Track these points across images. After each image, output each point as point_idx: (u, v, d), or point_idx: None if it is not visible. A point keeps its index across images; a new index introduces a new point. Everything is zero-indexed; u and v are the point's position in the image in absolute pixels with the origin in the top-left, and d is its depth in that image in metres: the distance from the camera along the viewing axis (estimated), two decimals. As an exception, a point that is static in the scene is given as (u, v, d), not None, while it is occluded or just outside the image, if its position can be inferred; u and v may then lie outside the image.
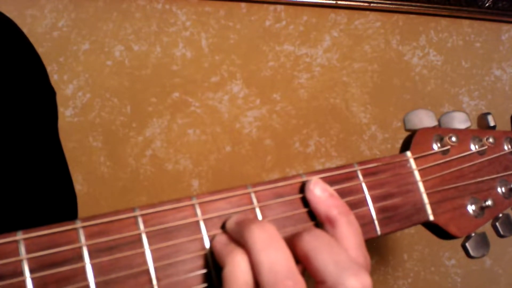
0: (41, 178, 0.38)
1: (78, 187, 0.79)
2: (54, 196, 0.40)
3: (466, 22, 0.88)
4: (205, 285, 0.24)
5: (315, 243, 0.22)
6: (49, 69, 0.80)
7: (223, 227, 0.24)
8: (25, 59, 0.40)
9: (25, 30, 0.78)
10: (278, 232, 0.23)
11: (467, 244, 0.28)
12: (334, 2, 0.82)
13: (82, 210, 0.78)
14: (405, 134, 0.32)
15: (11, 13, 0.78)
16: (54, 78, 0.79)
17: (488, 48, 0.89)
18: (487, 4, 0.86)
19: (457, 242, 0.30)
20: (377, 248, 0.84)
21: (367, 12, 0.85)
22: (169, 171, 0.80)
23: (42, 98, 0.40)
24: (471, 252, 0.28)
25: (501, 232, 0.29)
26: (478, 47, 0.88)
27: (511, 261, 0.87)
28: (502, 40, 0.89)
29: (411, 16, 0.86)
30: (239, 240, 0.23)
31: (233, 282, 0.21)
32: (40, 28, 0.78)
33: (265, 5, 0.83)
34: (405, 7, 0.84)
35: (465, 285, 0.85)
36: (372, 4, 0.83)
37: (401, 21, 0.86)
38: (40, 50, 0.79)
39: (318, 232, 0.23)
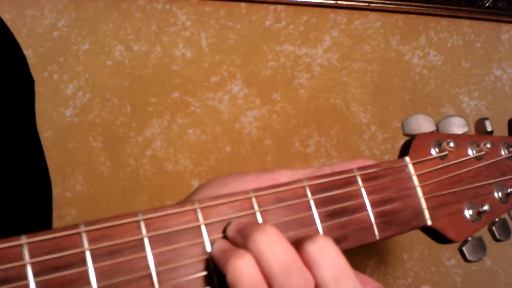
0: (17, 167, 0.38)
1: (78, 187, 0.79)
2: (29, 186, 0.40)
3: (466, 22, 0.88)
4: (207, 288, 0.24)
5: (317, 257, 0.23)
6: (49, 69, 0.80)
7: (224, 232, 0.25)
8: (2, 46, 0.39)
9: (25, 30, 0.78)
10: (280, 232, 0.23)
11: (464, 248, 0.28)
12: (334, 2, 0.82)
13: (82, 210, 0.79)
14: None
15: (11, 13, 0.78)
16: (54, 78, 0.79)
17: (488, 48, 0.89)
18: (487, 4, 0.86)
19: (457, 243, 0.30)
20: (377, 248, 0.85)
21: (367, 12, 0.85)
22: (169, 171, 0.80)
23: (20, 87, 0.40)
24: (468, 256, 0.28)
25: (498, 237, 0.29)
26: (478, 47, 0.89)
27: (511, 261, 0.87)
28: (502, 40, 0.89)
29: (411, 16, 0.86)
30: (242, 247, 0.23)
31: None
32: (40, 28, 0.78)
33: (265, 5, 0.83)
34: (405, 7, 0.84)
35: (465, 285, 0.86)
36: (372, 4, 0.83)
37: (401, 21, 0.86)
38: (40, 50, 0.79)
39: (320, 242, 0.23)
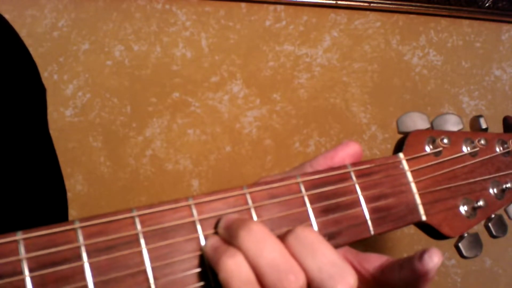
0: (32, 175, 0.39)
1: (78, 187, 0.79)
2: (45, 192, 0.40)
3: (466, 22, 0.88)
4: (201, 284, 0.24)
5: (298, 248, 0.23)
6: (49, 69, 0.80)
7: (215, 228, 0.25)
8: (14, 55, 0.40)
9: (25, 30, 0.79)
10: (267, 229, 0.23)
11: (460, 244, 0.28)
12: (334, 2, 0.82)
13: (82, 210, 0.79)
14: (404, 135, 0.32)
15: (11, 13, 0.79)
16: (54, 78, 0.80)
17: (488, 48, 0.89)
18: (487, 4, 0.86)
19: (454, 240, 0.30)
20: (377, 248, 0.85)
21: (367, 12, 0.85)
22: (169, 171, 0.81)
23: (32, 95, 0.41)
24: (464, 252, 0.28)
25: (494, 233, 0.29)
26: (478, 47, 0.88)
27: (511, 261, 0.87)
28: (502, 40, 0.89)
29: (411, 16, 0.86)
30: (231, 245, 0.23)
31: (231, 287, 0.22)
32: (40, 28, 0.79)
33: (265, 5, 0.83)
34: (405, 7, 0.84)
35: (465, 285, 0.85)
36: (372, 4, 0.83)
37: (401, 21, 0.86)
38: (40, 50, 0.80)
39: (300, 233, 0.23)
